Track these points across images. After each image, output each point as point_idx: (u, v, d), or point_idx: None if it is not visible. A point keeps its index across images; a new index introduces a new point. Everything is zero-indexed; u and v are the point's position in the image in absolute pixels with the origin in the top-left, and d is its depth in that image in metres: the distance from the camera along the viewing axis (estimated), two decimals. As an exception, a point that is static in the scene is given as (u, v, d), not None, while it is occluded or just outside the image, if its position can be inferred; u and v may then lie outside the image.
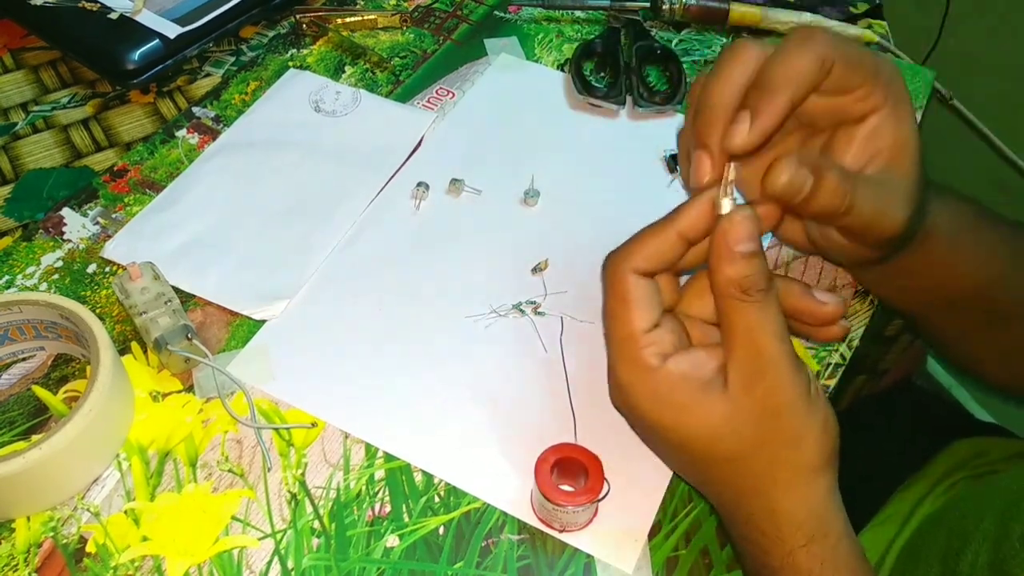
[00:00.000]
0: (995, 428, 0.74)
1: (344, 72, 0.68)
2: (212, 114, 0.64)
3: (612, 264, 0.39)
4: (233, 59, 0.69)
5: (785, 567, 0.38)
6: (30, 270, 0.54)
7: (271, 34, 0.71)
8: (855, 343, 0.54)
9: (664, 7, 0.69)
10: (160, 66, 0.66)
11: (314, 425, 0.48)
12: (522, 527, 0.45)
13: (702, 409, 0.38)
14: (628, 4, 0.69)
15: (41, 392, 0.49)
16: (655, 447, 0.44)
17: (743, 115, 0.37)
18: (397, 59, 0.69)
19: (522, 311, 0.53)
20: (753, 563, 0.41)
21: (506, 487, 0.46)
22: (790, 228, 0.46)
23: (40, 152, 0.62)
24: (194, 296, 0.53)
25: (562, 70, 0.69)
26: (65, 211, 0.58)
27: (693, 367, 0.38)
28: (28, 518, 0.44)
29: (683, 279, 0.44)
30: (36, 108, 0.65)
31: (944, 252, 0.46)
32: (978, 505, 0.54)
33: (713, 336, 0.41)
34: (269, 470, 0.47)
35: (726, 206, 0.38)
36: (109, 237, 0.56)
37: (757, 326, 0.37)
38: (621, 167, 0.61)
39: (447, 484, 0.46)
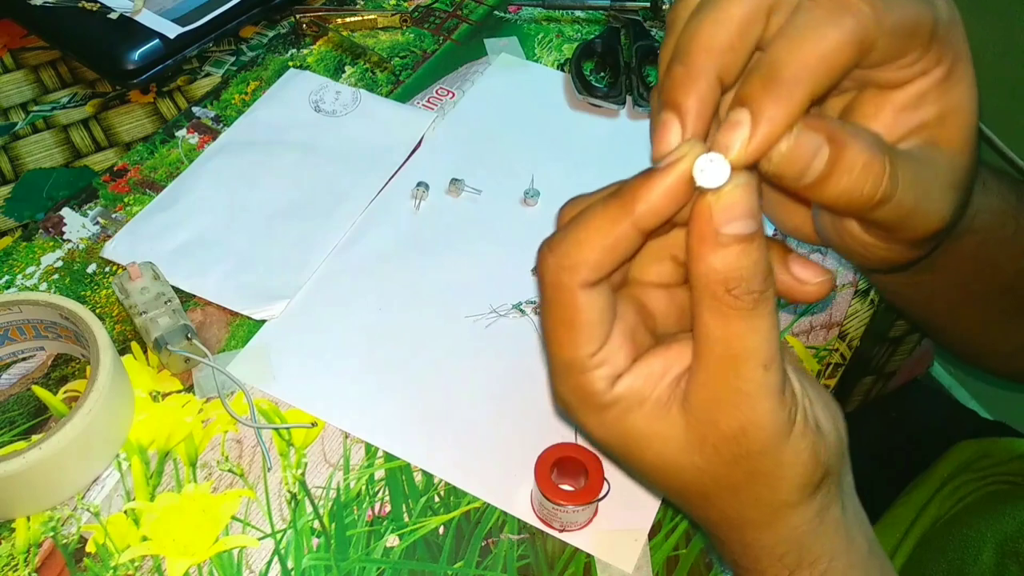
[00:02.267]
0: (1001, 427, 0.74)
1: (344, 72, 0.68)
2: (212, 114, 0.64)
3: (552, 275, 0.30)
4: (233, 59, 0.69)
5: None
6: (30, 270, 0.54)
7: (271, 34, 0.71)
8: (855, 343, 0.54)
9: (664, 7, 0.69)
10: (160, 66, 0.66)
11: (314, 425, 0.48)
12: (522, 527, 0.45)
13: (657, 437, 0.30)
14: (628, 4, 0.69)
15: (41, 392, 0.49)
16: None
17: (739, 114, 0.26)
18: (397, 59, 0.69)
19: (522, 311, 0.53)
20: None
21: (506, 487, 0.46)
22: (790, 213, 0.35)
23: (40, 152, 0.62)
24: (194, 296, 0.53)
25: (562, 70, 0.69)
26: (65, 211, 0.58)
27: (647, 383, 0.30)
28: (28, 518, 0.44)
29: None
30: (36, 108, 0.65)
31: (983, 246, 0.39)
32: (979, 533, 0.54)
33: (679, 309, 0.33)
34: (269, 470, 0.47)
35: (709, 176, 0.26)
36: (109, 237, 0.56)
37: (739, 345, 0.28)
38: (621, 167, 0.61)
39: (447, 484, 0.46)
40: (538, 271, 0.31)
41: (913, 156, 0.29)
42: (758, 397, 0.28)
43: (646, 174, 0.27)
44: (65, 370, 0.50)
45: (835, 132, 0.26)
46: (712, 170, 0.26)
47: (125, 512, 0.45)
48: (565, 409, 0.33)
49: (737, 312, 0.27)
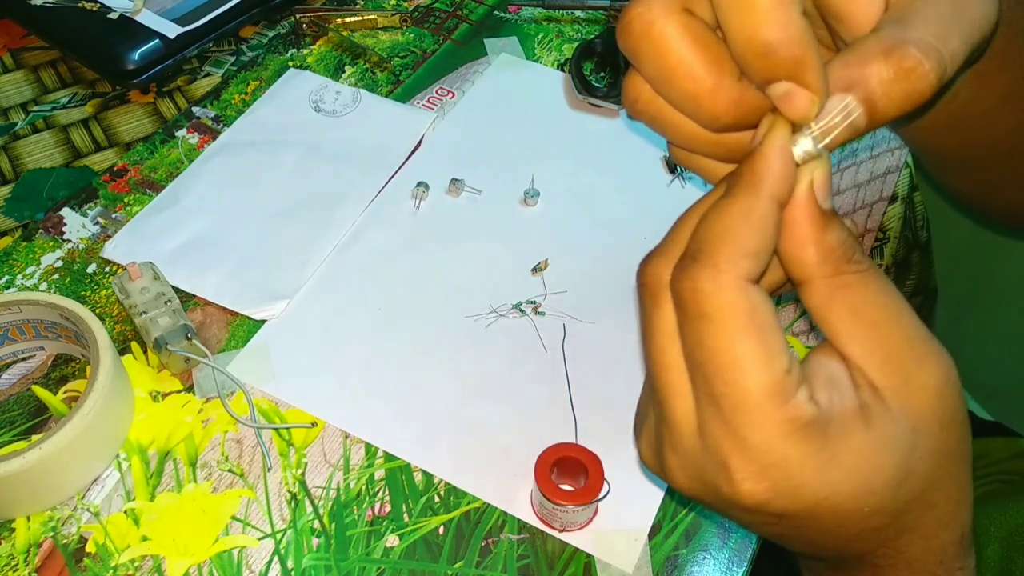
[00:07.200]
0: (998, 427, 0.74)
1: (344, 72, 0.68)
2: (212, 114, 0.64)
3: (703, 286, 0.25)
4: (233, 59, 0.69)
5: None
6: (30, 270, 0.54)
7: (271, 34, 0.71)
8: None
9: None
10: (160, 66, 0.66)
11: (314, 425, 0.48)
12: (522, 527, 0.45)
13: (888, 444, 0.26)
14: (628, 4, 0.69)
15: (41, 392, 0.49)
16: (808, 534, 0.29)
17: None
18: (397, 59, 0.69)
19: (522, 311, 0.53)
20: None
21: (506, 487, 0.46)
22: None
23: (40, 152, 0.62)
24: (194, 296, 0.53)
25: (562, 70, 0.69)
26: (65, 211, 0.58)
27: (846, 398, 0.26)
28: (28, 518, 0.44)
29: None
30: (36, 108, 0.65)
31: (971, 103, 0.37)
32: (983, 529, 0.54)
33: None
34: (269, 470, 0.47)
35: (807, 147, 0.26)
36: (109, 237, 0.56)
37: (887, 298, 0.26)
38: (621, 167, 0.61)
39: (447, 484, 0.46)
40: (676, 297, 0.26)
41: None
42: (929, 342, 0.27)
43: (751, 153, 0.26)
44: (65, 370, 0.50)
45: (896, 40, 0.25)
46: (810, 144, 0.26)
47: (125, 512, 0.45)
48: (765, 483, 0.26)
49: (866, 274, 0.26)
